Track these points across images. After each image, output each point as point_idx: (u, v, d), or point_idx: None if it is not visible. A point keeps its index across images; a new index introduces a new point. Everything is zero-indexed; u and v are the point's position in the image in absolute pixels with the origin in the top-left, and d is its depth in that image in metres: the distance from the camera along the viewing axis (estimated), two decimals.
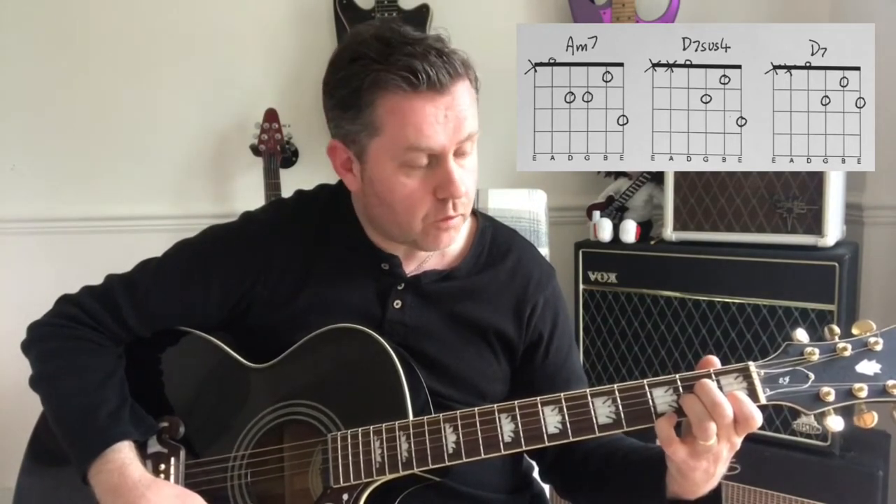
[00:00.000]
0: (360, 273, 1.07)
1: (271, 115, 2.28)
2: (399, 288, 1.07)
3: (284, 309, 1.06)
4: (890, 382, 0.82)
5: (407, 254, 1.08)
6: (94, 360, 1.05)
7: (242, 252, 1.08)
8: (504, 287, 1.10)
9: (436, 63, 0.91)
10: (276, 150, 2.26)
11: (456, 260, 1.11)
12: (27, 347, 1.08)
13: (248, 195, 2.38)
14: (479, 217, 1.16)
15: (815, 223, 1.75)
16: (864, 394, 0.82)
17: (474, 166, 1.01)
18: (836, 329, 0.86)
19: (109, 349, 1.07)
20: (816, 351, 0.84)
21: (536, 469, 1.19)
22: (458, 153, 0.97)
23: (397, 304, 1.07)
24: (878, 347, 0.84)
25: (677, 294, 1.88)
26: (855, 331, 0.86)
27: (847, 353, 0.84)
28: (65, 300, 1.11)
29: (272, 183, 2.25)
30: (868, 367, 0.83)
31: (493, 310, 1.08)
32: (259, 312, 1.07)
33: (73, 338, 1.06)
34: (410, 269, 1.09)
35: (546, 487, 1.25)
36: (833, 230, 1.75)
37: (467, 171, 0.99)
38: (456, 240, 1.05)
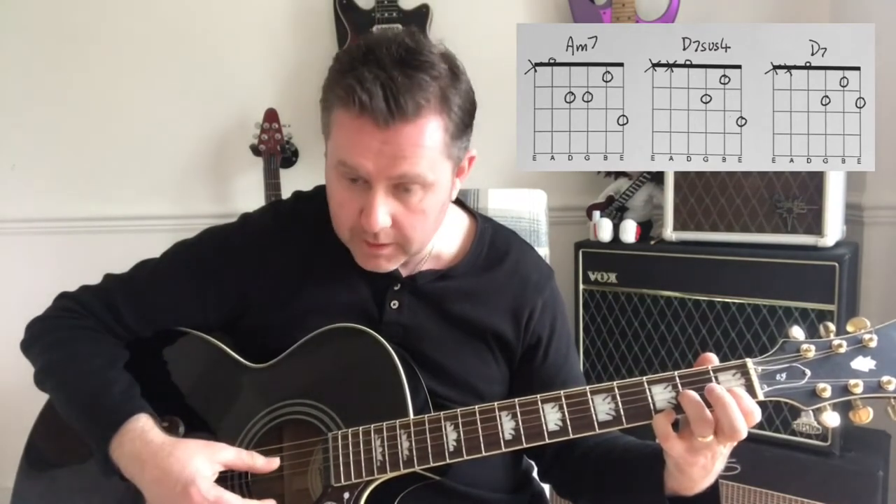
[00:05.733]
0: (357, 274, 1.07)
1: (271, 115, 2.28)
2: (395, 288, 1.07)
3: (282, 311, 1.06)
4: (884, 378, 0.83)
5: None
6: (98, 347, 1.05)
7: (240, 254, 1.08)
8: (502, 289, 1.10)
9: (376, 95, 0.88)
10: (276, 150, 2.27)
11: (453, 260, 1.11)
12: (28, 344, 1.08)
13: (248, 195, 2.38)
14: (478, 218, 1.16)
15: (815, 223, 1.75)
16: (859, 390, 0.83)
17: (427, 208, 0.97)
18: (832, 326, 0.87)
19: (110, 339, 1.07)
20: (812, 348, 0.85)
21: (536, 469, 1.19)
22: (399, 189, 0.94)
23: (394, 304, 1.07)
24: (873, 344, 0.84)
25: (677, 294, 1.88)
26: (850, 328, 0.87)
27: (842, 350, 0.85)
28: (64, 296, 1.11)
29: (272, 183, 2.26)
30: (863, 363, 0.84)
31: (491, 312, 1.08)
32: (257, 314, 1.07)
33: (76, 328, 1.06)
34: (406, 270, 1.09)
35: (546, 487, 1.25)
36: (833, 230, 1.75)
37: (410, 211, 0.95)
38: (391, 268, 1.02)
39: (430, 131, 0.92)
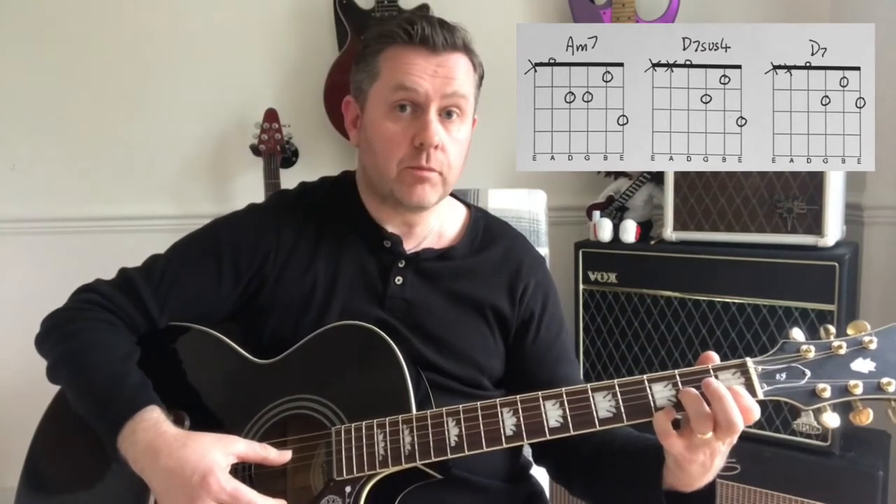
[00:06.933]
0: (364, 250, 1.13)
1: (271, 115, 2.29)
2: (400, 265, 1.12)
3: (293, 286, 1.10)
4: (884, 380, 0.83)
5: (406, 233, 1.13)
6: (115, 338, 1.05)
7: (251, 233, 1.12)
8: (498, 268, 1.16)
9: (434, 26, 1.04)
10: (276, 150, 2.27)
11: (452, 242, 1.17)
12: (43, 338, 1.08)
13: (248, 195, 2.35)
14: (473, 208, 1.22)
15: (815, 223, 1.75)
16: (859, 391, 0.83)
17: (462, 140, 1.08)
18: (832, 328, 0.87)
19: (125, 333, 1.08)
20: (812, 348, 0.86)
21: (534, 467, 1.19)
22: (445, 115, 1.06)
23: (398, 280, 1.11)
24: (873, 346, 0.85)
25: (677, 294, 1.88)
26: (850, 330, 0.87)
27: (842, 352, 0.85)
28: (83, 289, 1.12)
29: (272, 183, 2.26)
30: (863, 364, 0.84)
31: (489, 288, 1.14)
32: (270, 291, 1.10)
33: (93, 319, 1.06)
34: (410, 245, 1.14)
35: (546, 487, 1.25)
36: (833, 230, 1.75)
37: (452, 138, 1.06)
38: (432, 201, 1.08)
39: (467, 65, 1.08)
